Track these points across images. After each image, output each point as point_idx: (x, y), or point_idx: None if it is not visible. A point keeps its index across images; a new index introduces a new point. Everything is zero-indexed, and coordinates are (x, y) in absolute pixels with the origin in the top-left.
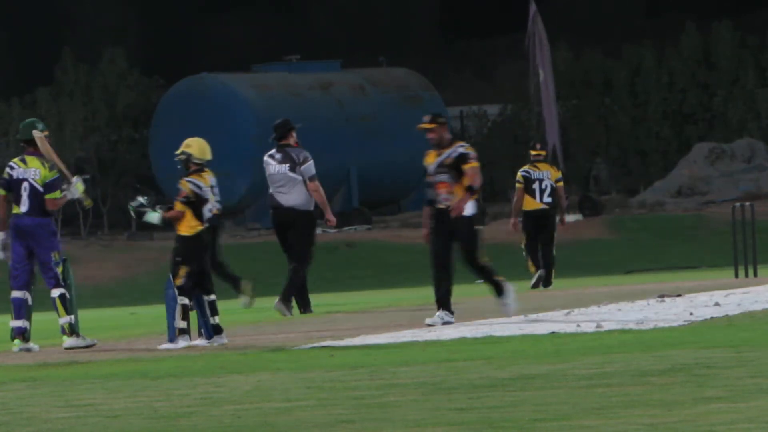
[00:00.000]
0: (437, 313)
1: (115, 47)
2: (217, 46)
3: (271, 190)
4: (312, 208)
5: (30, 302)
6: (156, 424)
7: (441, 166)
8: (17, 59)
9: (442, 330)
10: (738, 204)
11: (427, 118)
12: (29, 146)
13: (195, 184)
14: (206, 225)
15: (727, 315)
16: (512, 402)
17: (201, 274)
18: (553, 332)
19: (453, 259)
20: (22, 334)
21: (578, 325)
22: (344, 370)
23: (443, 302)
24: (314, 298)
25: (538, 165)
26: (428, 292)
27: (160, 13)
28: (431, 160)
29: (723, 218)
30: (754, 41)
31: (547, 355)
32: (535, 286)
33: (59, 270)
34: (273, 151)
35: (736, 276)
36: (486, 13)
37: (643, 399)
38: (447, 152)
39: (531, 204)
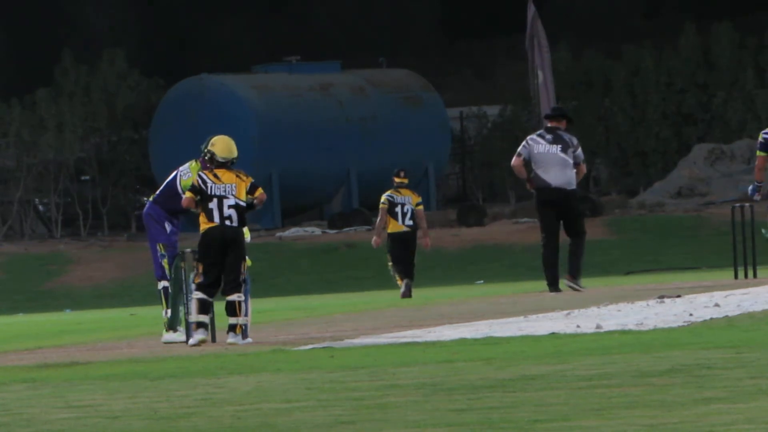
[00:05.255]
0: None
1: (115, 47)
2: (217, 46)
3: (536, 170)
4: (575, 187)
5: (170, 290)
6: (156, 425)
7: None
8: (17, 59)
9: (442, 331)
10: (738, 205)
11: None
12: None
13: (201, 178)
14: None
15: (726, 316)
16: (512, 403)
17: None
18: (553, 333)
19: None
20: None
21: (578, 326)
22: (344, 370)
23: None
24: (314, 298)
25: (401, 190)
26: (428, 292)
27: (160, 13)
28: None
29: (723, 219)
30: (753, 42)
31: (547, 355)
32: (404, 295)
33: (163, 263)
34: (542, 131)
35: (736, 277)
36: (486, 13)
37: (643, 400)
38: None
39: (394, 227)
